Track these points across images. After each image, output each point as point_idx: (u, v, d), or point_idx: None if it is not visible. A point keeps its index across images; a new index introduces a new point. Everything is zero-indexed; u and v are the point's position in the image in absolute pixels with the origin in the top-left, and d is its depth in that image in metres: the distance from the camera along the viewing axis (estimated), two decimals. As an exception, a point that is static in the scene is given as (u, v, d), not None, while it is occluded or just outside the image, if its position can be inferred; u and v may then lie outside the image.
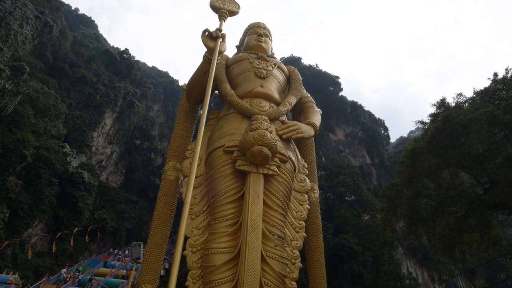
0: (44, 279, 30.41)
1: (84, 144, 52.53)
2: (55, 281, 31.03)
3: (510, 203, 14.95)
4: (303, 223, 10.67)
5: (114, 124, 61.51)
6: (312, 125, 11.82)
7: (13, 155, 32.47)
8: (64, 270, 34.63)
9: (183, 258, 8.99)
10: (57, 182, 39.11)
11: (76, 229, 41.02)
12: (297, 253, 10.06)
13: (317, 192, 12.56)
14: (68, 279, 31.47)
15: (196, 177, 9.74)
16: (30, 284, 28.00)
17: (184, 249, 9.08)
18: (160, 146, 74.97)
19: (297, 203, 10.90)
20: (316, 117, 12.32)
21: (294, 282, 9.56)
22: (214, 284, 8.48)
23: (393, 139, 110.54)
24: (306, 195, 11.16)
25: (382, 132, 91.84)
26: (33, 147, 35.21)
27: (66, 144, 44.35)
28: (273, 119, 10.87)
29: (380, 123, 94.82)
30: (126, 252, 43.53)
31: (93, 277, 32.96)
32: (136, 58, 77.87)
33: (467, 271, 15.49)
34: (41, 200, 36.71)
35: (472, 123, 14.76)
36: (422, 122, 18.31)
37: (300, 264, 10.12)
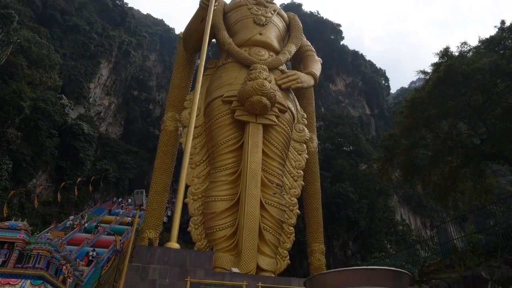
0: (52, 226, 31.65)
1: (81, 95, 51.88)
2: (63, 228, 32.34)
3: (506, 153, 15.14)
4: (301, 172, 10.93)
5: (110, 74, 60.36)
6: (312, 74, 11.64)
7: (10, 107, 32.24)
8: (72, 217, 35.95)
9: (185, 206, 9.30)
10: (57, 133, 39.24)
11: (79, 179, 41.89)
12: (295, 200, 10.42)
13: (315, 142, 12.72)
14: (75, 226, 32.76)
15: (195, 127, 9.78)
16: (39, 231, 29.21)
17: (185, 197, 9.38)
18: (158, 97, 74.18)
19: (296, 152, 11.07)
20: (316, 67, 12.08)
21: (292, 228, 10.01)
22: (215, 230, 8.88)
23: (393, 90, 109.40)
24: (304, 145, 11.30)
25: (383, 82, 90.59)
26: (30, 98, 34.82)
27: (63, 96, 43.81)
28: (272, 68, 10.68)
29: (381, 73, 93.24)
30: (129, 200, 44.87)
31: (98, 224, 34.29)
32: (129, 5, 74.40)
33: (458, 218, 16.08)
34: (42, 151, 37.05)
35: (475, 72, 14.48)
36: (424, 72, 17.97)
37: (298, 211, 10.52)
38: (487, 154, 15.47)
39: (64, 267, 12.71)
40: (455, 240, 14.95)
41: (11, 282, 10.25)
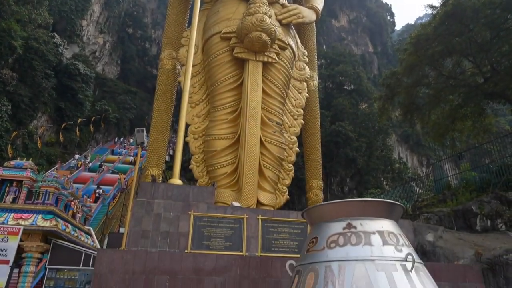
0: (57, 165, 32.46)
1: (73, 33, 50.04)
2: (68, 168, 33.21)
3: (508, 92, 15.00)
4: (301, 110, 10.93)
5: (102, 11, 57.61)
6: (314, 9, 11.10)
7: (2, 46, 31.32)
8: (77, 156, 36.71)
9: (186, 145, 9.45)
10: (53, 74, 38.60)
11: (79, 120, 42.08)
12: (295, 138, 10.56)
13: (316, 80, 12.53)
14: (79, 166, 33.61)
15: (193, 65, 9.57)
16: (45, 170, 30.03)
17: (186, 136, 9.49)
18: (154, 34, 71.47)
19: (296, 91, 10.96)
20: (319, 0, 11.45)
21: (291, 165, 10.27)
22: (216, 167, 9.12)
23: (398, 26, 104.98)
24: (305, 83, 11.15)
25: (388, 18, 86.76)
26: (21, 38, 33.67)
27: (55, 34, 42.27)
28: (272, 2, 10.15)
29: (386, 8, 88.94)
30: (131, 140, 45.48)
31: (102, 163, 35.13)
32: None
33: (454, 156, 16.40)
34: (40, 92, 36.75)
35: (485, 7, 13.81)
36: (431, 7, 17.07)
37: (297, 149, 10.72)
38: (489, 93, 15.33)
39: (73, 203, 13.27)
40: (449, 177, 15.43)
41: (23, 217, 10.77)
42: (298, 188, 26.99)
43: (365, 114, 37.40)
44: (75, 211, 13.61)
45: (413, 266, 3.41)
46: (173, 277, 5.84)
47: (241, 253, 6.58)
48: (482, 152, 14.49)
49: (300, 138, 10.92)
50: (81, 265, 10.99)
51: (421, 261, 3.86)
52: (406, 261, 3.44)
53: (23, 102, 34.47)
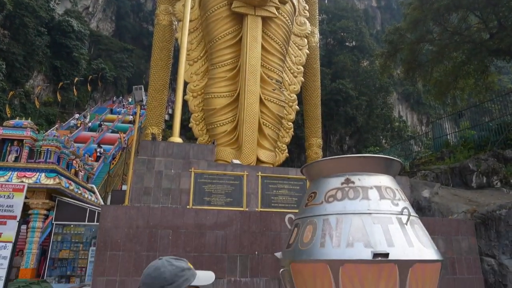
0: (56, 125, 32.44)
1: (65, -13, 47.92)
2: (67, 128, 33.21)
3: (513, 49, 14.65)
4: (302, 68, 10.74)
5: (94, -38, 54.76)
6: (315, -42, 10.54)
7: (-11, 1, 30.15)
8: (77, 115, 36.58)
9: (185, 104, 9.38)
10: (46, 31, 37.47)
11: (76, 79, 41.44)
12: (295, 96, 10.47)
13: (317, 36, 12.18)
14: (79, 125, 33.60)
15: (190, 21, 9.26)
16: (45, 130, 30.07)
17: (185, 94, 9.40)
18: (149, -12, 68.48)
19: (296, 47, 10.70)
20: None
21: (291, 123, 10.27)
22: (216, 125, 9.13)
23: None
24: (305, 39, 10.86)
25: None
26: (9, -8, 32.32)
27: (45, -12, 40.48)
28: (272, -49, 9.61)
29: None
30: (130, 99, 45.13)
31: (102, 123, 35.09)
32: None
33: (454, 114, 16.36)
34: (34, 50, 35.88)
35: (496, -43, 13.15)
36: (439, -44, 16.21)
37: (297, 107, 10.67)
38: (494, 49, 14.97)
39: (74, 161, 13.43)
40: (448, 135, 15.49)
41: (27, 175, 10.95)
42: (297, 146, 27.21)
43: (366, 72, 36.79)
44: (77, 169, 13.81)
45: (408, 219, 3.52)
46: (175, 231, 6.05)
47: (241, 209, 6.77)
48: (482, 110, 14.43)
49: (300, 96, 10.83)
50: (86, 221, 11.35)
51: (416, 215, 3.98)
52: (401, 214, 3.54)
53: (17, 61, 33.77)
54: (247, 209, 6.81)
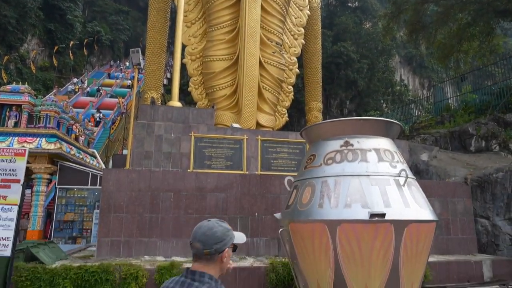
0: (54, 90, 32.11)
1: None
2: (65, 93, 32.89)
3: (521, 9, 14.18)
4: (302, 29, 10.46)
5: None
6: None
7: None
8: (75, 79, 36.10)
9: (183, 67, 9.23)
10: (36, -9, 36.20)
11: (71, 42, 40.49)
12: (295, 59, 10.28)
13: (318, -5, 11.76)
14: (77, 90, 33.27)
15: (187, -21, 8.91)
16: (42, 95, 29.82)
17: (183, 57, 9.22)
18: None
19: (297, 8, 10.36)
20: None
21: (291, 87, 10.16)
22: (215, 89, 9.03)
23: None
24: (306, 0, 10.49)
25: None
26: None
27: None
28: None
29: None
30: (127, 64, 44.35)
31: (100, 87, 34.71)
32: None
33: (456, 77, 16.15)
34: (26, 13, 34.80)
35: None
36: None
37: (298, 70, 10.50)
38: (501, 10, 14.50)
39: (74, 126, 13.44)
40: (449, 99, 15.37)
41: (28, 140, 10.99)
42: (297, 110, 27.08)
43: (369, 34, 35.84)
44: (77, 134, 13.85)
45: (405, 181, 3.57)
46: (177, 194, 6.17)
47: (241, 172, 6.86)
48: (485, 74, 14.24)
49: (300, 59, 10.62)
50: (89, 185, 11.53)
51: (414, 177, 4.04)
52: (399, 176, 3.60)
53: (10, 24, 32.83)
54: (247, 172, 6.90)
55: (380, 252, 3.29)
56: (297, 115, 29.56)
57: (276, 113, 9.30)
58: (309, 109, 10.83)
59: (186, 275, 1.31)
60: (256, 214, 6.36)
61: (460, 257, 7.09)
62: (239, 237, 1.39)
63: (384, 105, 36.26)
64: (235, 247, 1.38)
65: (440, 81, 18.24)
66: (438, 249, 7.34)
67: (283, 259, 5.81)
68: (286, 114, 9.76)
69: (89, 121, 21.00)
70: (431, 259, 6.65)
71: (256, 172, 6.99)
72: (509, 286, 6.45)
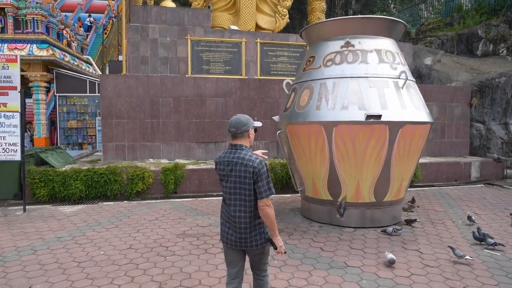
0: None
1: None
2: (51, -6, 30.56)
3: None
4: None
5: None
6: None
7: None
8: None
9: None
10: None
11: None
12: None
13: None
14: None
15: None
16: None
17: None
18: None
19: None
20: None
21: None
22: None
23: None
24: None
25: None
26: None
27: None
28: None
29: None
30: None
31: (87, -12, 32.10)
32: None
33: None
34: None
35: None
36: None
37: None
38: None
39: (65, 31, 12.78)
40: (462, -3, 14.34)
41: (18, 47, 10.58)
42: (299, 12, 25.49)
43: None
44: (69, 40, 13.27)
45: (405, 83, 3.54)
46: (176, 99, 6.18)
47: (240, 77, 6.76)
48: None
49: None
50: (87, 92, 11.48)
51: (413, 79, 3.99)
52: (399, 78, 3.55)
53: None
54: (246, 77, 6.81)
55: (374, 152, 3.43)
56: (298, 16, 27.88)
57: (277, 14, 8.77)
58: (312, 10, 10.17)
59: (231, 148, 1.96)
60: (256, 118, 6.46)
61: (451, 159, 7.42)
62: (257, 123, 2.04)
63: (392, 5, 33.93)
64: (255, 130, 2.04)
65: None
66: (431, 151, 7.64)
67: (282, 160, 6.09)
68: (287, 15, 9.21)
69: (80, 26, 19.94)
70: (423, 160, 6.98)
71: (255, 77, 6.90)
72: (493, 184, 6.88)
